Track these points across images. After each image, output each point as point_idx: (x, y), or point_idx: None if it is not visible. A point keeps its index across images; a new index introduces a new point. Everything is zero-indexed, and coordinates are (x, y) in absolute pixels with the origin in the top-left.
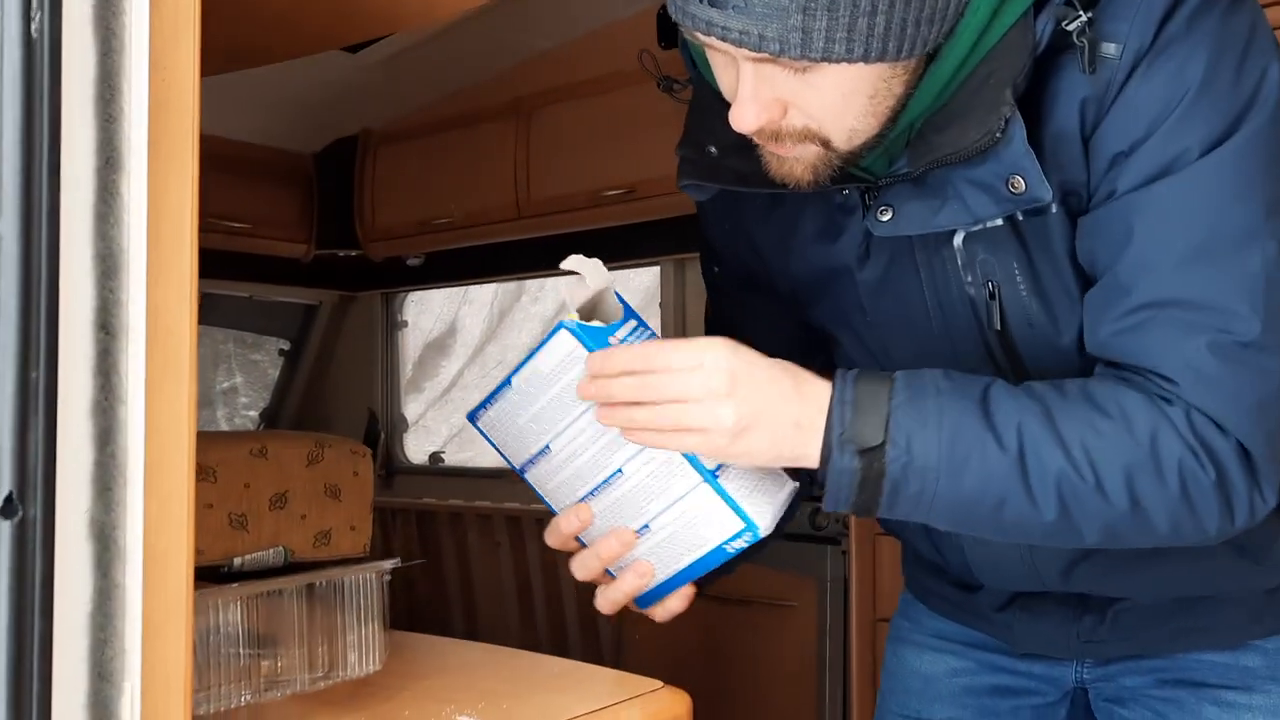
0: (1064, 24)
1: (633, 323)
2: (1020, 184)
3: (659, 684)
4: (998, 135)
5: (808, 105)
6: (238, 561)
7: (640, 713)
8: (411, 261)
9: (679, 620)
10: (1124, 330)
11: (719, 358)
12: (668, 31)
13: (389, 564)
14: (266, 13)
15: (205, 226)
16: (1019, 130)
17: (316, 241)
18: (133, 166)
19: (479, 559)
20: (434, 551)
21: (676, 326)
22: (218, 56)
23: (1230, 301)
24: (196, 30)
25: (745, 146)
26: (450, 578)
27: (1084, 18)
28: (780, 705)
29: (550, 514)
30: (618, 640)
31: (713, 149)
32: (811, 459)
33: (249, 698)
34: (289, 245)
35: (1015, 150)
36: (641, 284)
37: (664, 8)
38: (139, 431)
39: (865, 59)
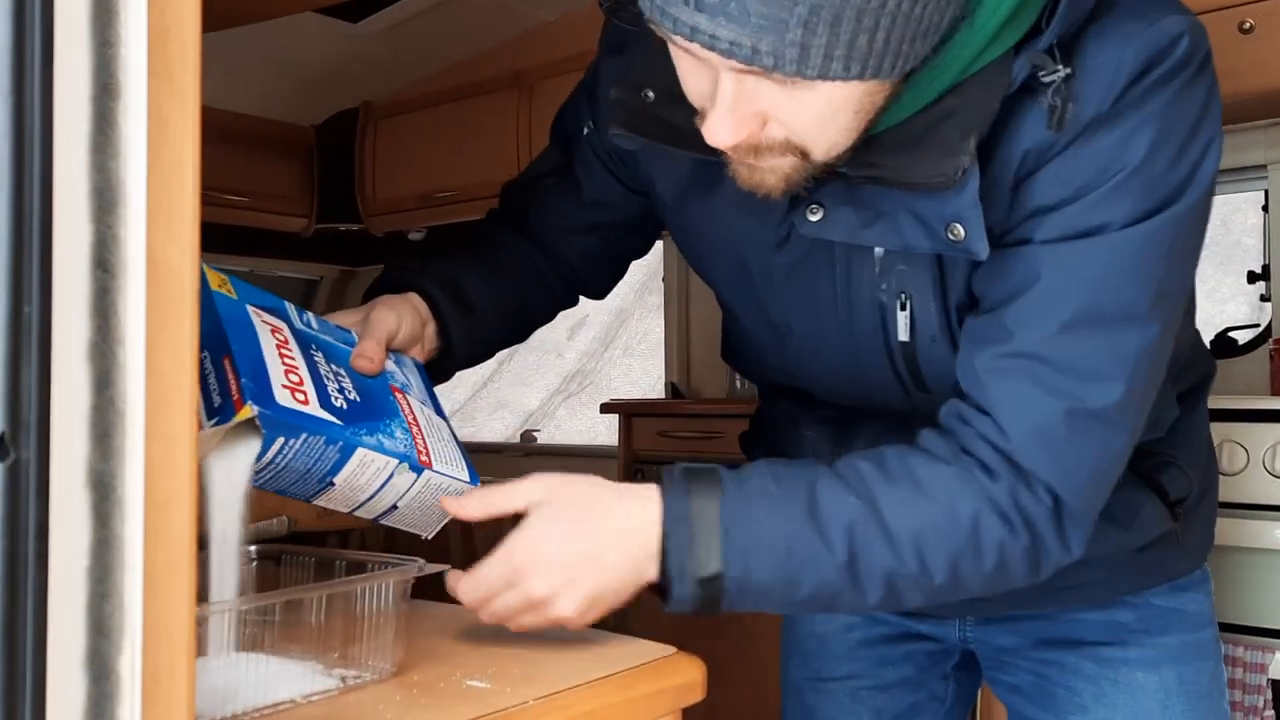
0: (1041, 74)
1: (280, 440)
2: (960, 232)
3: (672, 649)
4: (952, 182)
5: (790, 119)
6: None
7: (655, 679)
8: (413, 236)
9: None
10: (992, 370)
11: (516, 533)
12: None
13: (413, 572)
14: None
15: (204, 199)
16: (973, 181)
17: (317, 215)
18: (130, 96)
19: (482, 536)
20: None
21: (680, 303)
22: (216, 12)
23: (1097, 371)
24: None
25: (682, 94)
26: (453, 547)
27: (1063, 73)
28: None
29: None
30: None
31: (649, 93)
32: (652, 578)
33: None
34: (289, 219)
35: (964, 200)
36: (643, 260)
37: None
38: (139, 376)
39: (861, 77)
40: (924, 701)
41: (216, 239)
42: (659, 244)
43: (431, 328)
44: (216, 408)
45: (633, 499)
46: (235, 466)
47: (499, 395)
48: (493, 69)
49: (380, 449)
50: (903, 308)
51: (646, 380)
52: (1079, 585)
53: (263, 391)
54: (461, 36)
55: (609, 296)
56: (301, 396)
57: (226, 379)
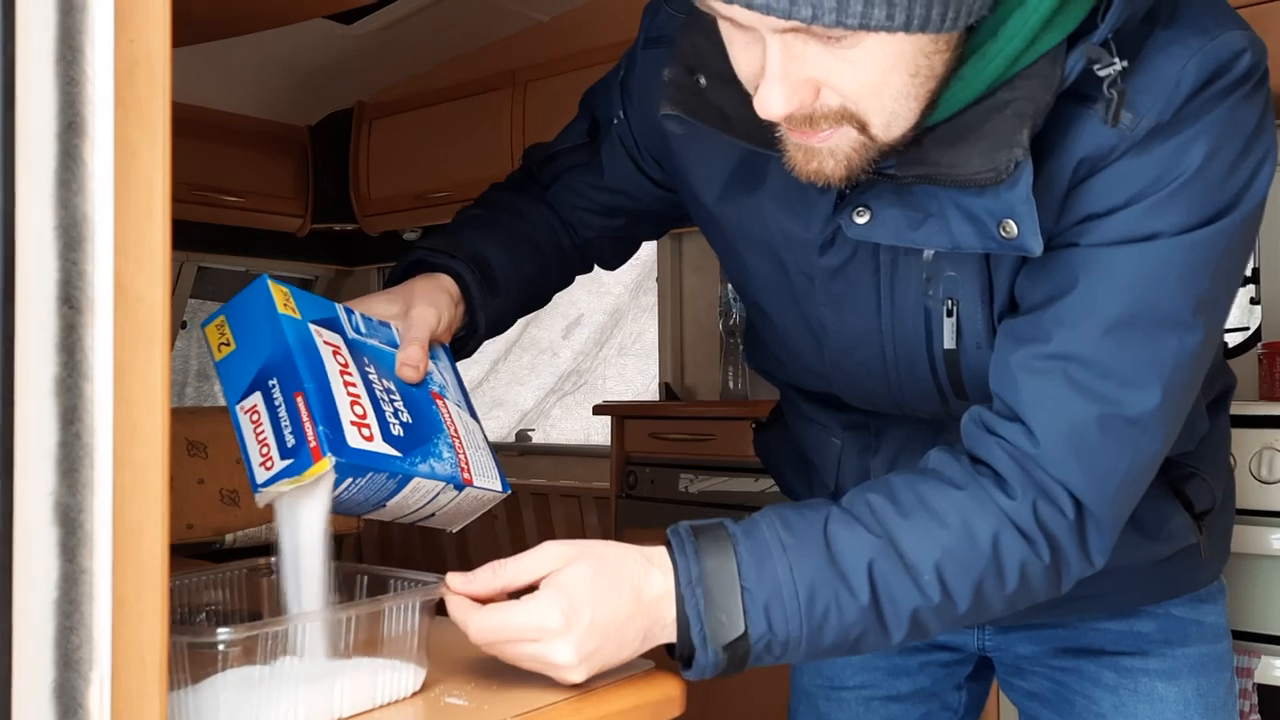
0: (1096, 68)
1: (349, 480)
2: (1012, 229)
3: (651, 664)
4: (1004, 176)
5: (842, 83)
6: (229, 537)
7: (632, 695)
8: (408, 235)
9: None
10: (1028, 370)
11: (553, 590)
12: None
13: (436, 590)
14: None
15: (200, 200)
16: (1026, 175)
17: (312, 215)
18: (97, 131)
19: (475, 532)
20: None
21: (674, 300)
22: (201, 24)
23: (1134, 374)
24: None
25: (734, 78)
26: (448, 551)
27: (1119, 66)
28: (767, 684)
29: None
30: None
31: (701, 79)
32: (667, 640)
33: None
34: (284, 219)
35: (1017, 195)
36: (637, 257)
37: None
38: (106, 409)
39: (907, 28)
40: (936, 711)
41: (212, 239)
42: (654, 245)
43: (460, 309)
44: (290, 448)
45: (649, 563)
46: (314, 506)
47: (494, 394)
48: (486, 69)
49: (432, 474)
50: (949, 314)
51: (641, 380)
52: (1102, 595)
53: (337, 436)
54: (455, 37)
55: (604, 296)
56: (367, 432)
57: (300, 420)
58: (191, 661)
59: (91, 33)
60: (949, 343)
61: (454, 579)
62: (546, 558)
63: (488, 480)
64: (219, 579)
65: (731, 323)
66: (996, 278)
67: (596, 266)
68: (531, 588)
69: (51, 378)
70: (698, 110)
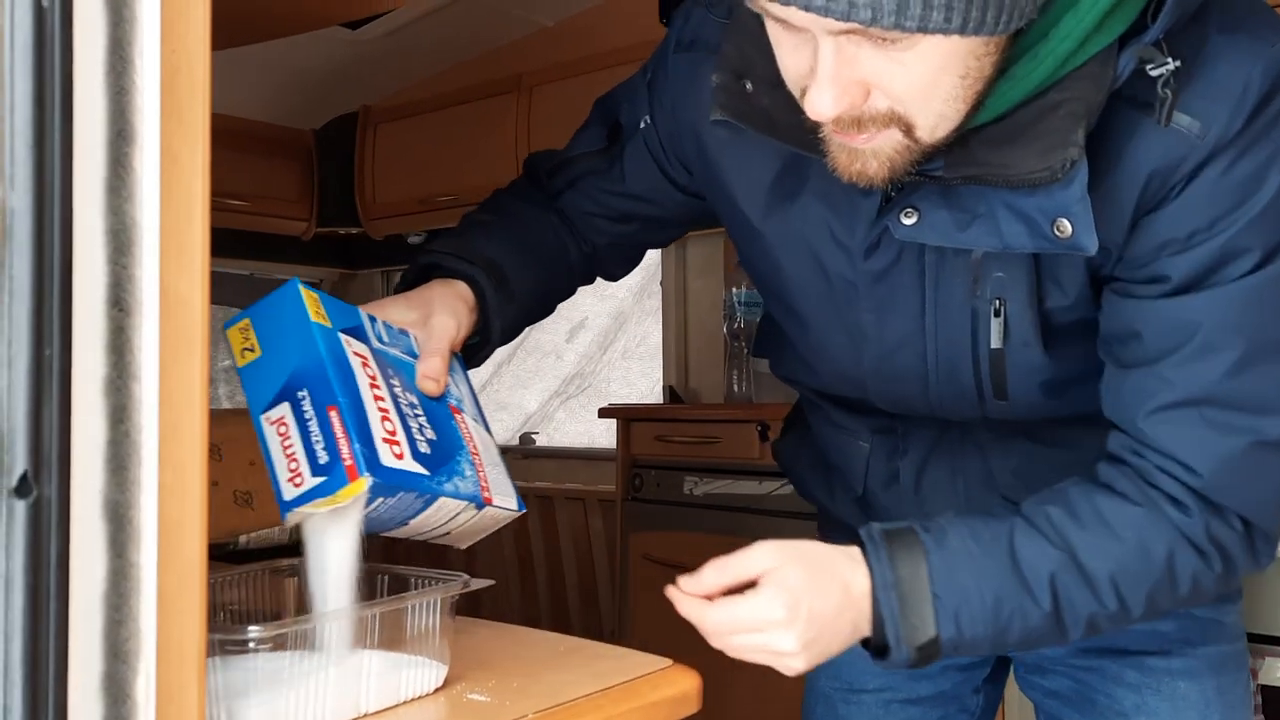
0: (1149, 68)
1: (379, 500)
2: (1066, 228)
3: (668, 662)
4: (1059, 175)
5: (893, 86)
6: (243, 539)
7: (651, 691)
8: (412, 239)
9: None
10: (1161, 422)
11: (775, 585)
12: (666, 6)
13: (457, 586)
14: None
15: None
16: (1082, 173)
17: (317, 219)
18: (145, 139)
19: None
20: None
21: (678, 307)
22: (220, 31)
23: (1266, 403)
24: (207, 1)
25: (779, 82)
26: (454, 551)
27: (1172, 65)
28: (781, 684)
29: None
30: (619, 615)
31: (747, 84)
32: (865, 634)
33: None
34: (289, 223)
35: (1072, 194)
36: (642, 264)
37: None
38: (153, 409)
39: (963, 30)
40: (954, 714)
41: (217, 242)
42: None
43: (474, 317)
44: (323, 465)
45: (852, 561)
46: (346, 525)
47: (498, 398)
48: (491, 73)
49: (457, 494)
50: (996, 314)
51: (645, 384)
52: None
53: (371, 455)
54: (460, 41)
55: (607, 300)
56: (398, 450)
57: (334, 436)
58: (222, 658)
59: (140, 43)
60: (995, 342)
61: (685, 580)
62: (765, 558)
63: (505, 499)
64: (241, 579)
65: (736, 326)
66: (1045, 276)
67: (599, 278)
68: (747, 585)
69: (102, 378)
70: (746, 115)
